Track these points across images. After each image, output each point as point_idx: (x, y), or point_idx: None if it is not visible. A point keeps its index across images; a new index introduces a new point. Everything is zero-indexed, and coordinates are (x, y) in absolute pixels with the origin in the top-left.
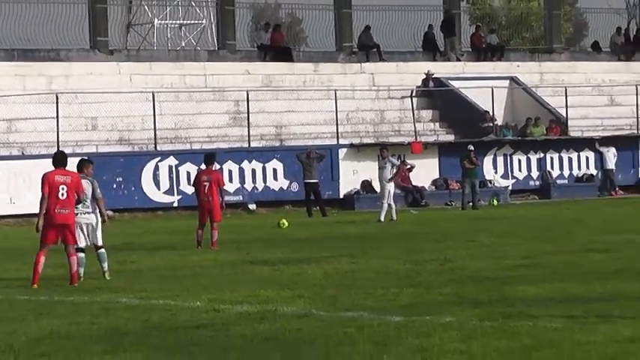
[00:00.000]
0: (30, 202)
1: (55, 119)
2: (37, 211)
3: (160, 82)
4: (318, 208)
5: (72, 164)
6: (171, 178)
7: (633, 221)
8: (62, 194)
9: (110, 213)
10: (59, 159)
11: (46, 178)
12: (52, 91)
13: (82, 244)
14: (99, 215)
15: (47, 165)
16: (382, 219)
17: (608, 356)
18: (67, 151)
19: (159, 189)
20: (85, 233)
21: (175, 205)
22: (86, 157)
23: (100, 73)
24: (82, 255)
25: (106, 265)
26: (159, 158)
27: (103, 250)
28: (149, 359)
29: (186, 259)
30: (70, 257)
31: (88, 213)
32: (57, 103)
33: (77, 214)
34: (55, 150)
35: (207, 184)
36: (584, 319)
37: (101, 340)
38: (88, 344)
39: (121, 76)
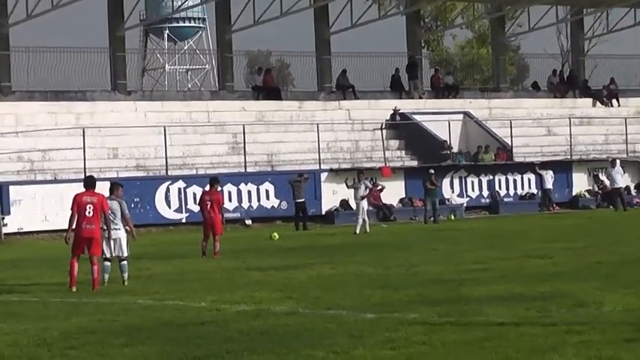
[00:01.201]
0: (61, 220)
1: (82, 150)
2: (65, 226)
3: (170, 117)
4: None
5: (104, 187)
6: (180, 199)
7: (568, 232)
8: (89, 212)
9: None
10: (88, 182)
11: (75, 199)
12: (79, 126)
13: (108, 254)
14: (125, 232)
15: (76, 188)
16: (357, 232)
17: (548, 345)
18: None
19: (170, 207)
20: (112, 246)
21: (184, 221)
22: (117, 182)
23: (119, 110)
24: (108, 264)
25: (126, 275)
26: (169, 182)
27: (125, 262)
28: (162, 351)
29: (193, 266)
30: (93, 266)
31: (117, 229)
32: (84, 136)
33: (106, 229)
34: (82, 175)
35: (209, 203)
36: (527, 314)
37: (121, 335)
38: (110, 338)
39: (137, 113)
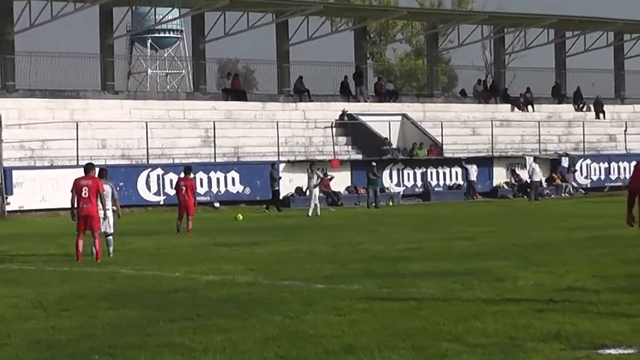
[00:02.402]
0: (56, 200)
1: (75, 140)
2: (61, 206)
3: (151, 114)
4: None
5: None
6: (158, 184)
7: (488, 218)
8: (85, 193)
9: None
10: (86, 168)
11: (74, 182)
12: (73, 120)
13: (103, 229)
14: (112, 211)
15: (69, 173)
16: (310, 214)
17: (470, 314)
18: (83, 163)
19: (150, 191)
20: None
21: (161, 203)
22: (103, 168)
23: (108, 107)
24: (109, 238)
25: (111, 249)
26: (150, 169)
27: (111, 237)
28: (142, 314)
29: (169, 241)
30: (95, 239)
31: (107, 209)
32: (77, 129)
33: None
34: (74, 162)
35: (184, 187)
36: (453, 287)
37: (107, 300)
38: (97, 302)
39: (123, 110)
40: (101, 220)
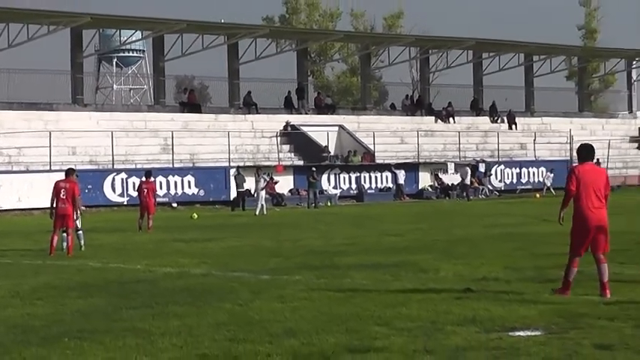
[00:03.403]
0: (31, 201)
1: (49, 148)
2: (35, 206)
3: (116, 124)
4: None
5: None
6: (122, 186)
7: (415, 217)
8: (63, 195)
9: (83, 208)
10: (66, 172)
11: (54, 184)
12: (47, 130)
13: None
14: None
15: (44, 177)
16: (257, 214)
17: (398, 301)
18: (55, 168)
19: (114, 193)
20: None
21: (125, 203)
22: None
23: (78, 118)
24: (80, 232)
25: (82, 242)
26: (115, 173)
27: (81, 232)
28: (107, 302)
29: (131, 238)
30: (68, 236)
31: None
32: (50, 137)
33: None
34: (48, 167)
35: (145, 190)
36: (383, 277)
37: (76, 290)
38: (68, 292)
39: (91, 121)
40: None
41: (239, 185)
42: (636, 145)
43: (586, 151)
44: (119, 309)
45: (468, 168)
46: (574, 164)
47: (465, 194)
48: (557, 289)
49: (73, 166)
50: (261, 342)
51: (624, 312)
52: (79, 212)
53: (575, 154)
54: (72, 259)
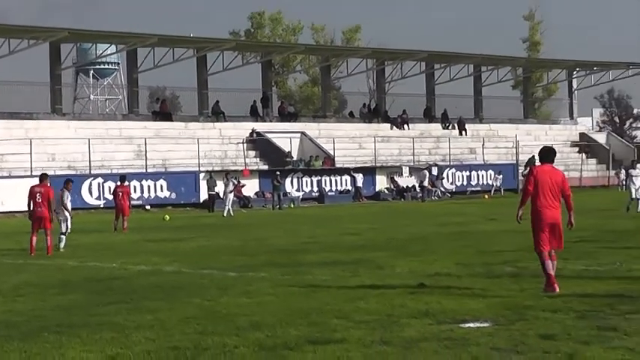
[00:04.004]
0: (13, 204)
1: (30, 154)
2: (17, 209)
3: (93, 132)
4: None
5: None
6: (99, 190)
7: (372, 217)
8: (38, 198)
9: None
10: (40, 177)
11: (30, 189)
12: (27, 137)
13: (62, 229)
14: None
15: (25, 182)
16: (225, 215)
17: (357, 296)
18: (35, 173)
19: (92, 196)
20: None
21: (101, 206)
22: (69, 179)
23: (57, 127)
24: (62, 236)
25: (62, 244)
26: (92, 178)
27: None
28: (85, 298)
29: (108, 238)
30: (47, 237)
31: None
32: (31, 145)
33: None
34: (29, 173)
35: (120, 193)
36: (343, 274)
37: (56, 287)
38: (48, 289)
39: (69, 129)
40: (61, 220)
41: (210, 189)
42: (577, 149)
43: (546, 154)
44: (96, 305)
45: (426, 171)
46: (533, 166)
47: (421, 196)
48: (544, 287)
49: (51, 172)
50: (228, 334)
51: (566, 304)
52: (53, 215)
53: (521, 158)
54: (51, 259)
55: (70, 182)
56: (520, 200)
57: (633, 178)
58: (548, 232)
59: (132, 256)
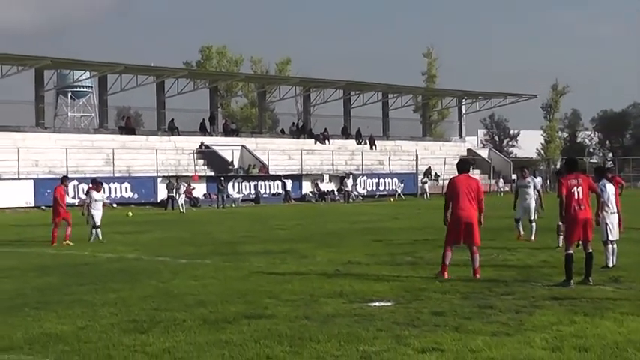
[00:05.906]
0: (1, 203)
1: (17, 161)
2: (6, 206)
3: (70, 143)
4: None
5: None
6: (74, 191)
7: (298, 215)
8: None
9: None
10: (62, 179)
11: (57, 190)
12: (16, 147)
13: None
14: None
15: (13, 184)
16: (182, 212)
17: (284, 280)
18: (22, 177)
19: (68, 196)
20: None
21: (76, 204)
22: (99, 181)
23: (40, 138)
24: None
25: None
26: (69, 181)
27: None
28: (60, 279)
29: (80, 230)
30: (69, 227)
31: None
32: (18, 153)
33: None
34: (16, 177)
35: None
36: (274, 262)
37: (35, 270)
38: (28, 272)
39: (51, 140)
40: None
41: (169, 191)
42: None
43: (462, 165)
44: (69, 285)
45: (351, 179)
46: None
47: (345, 198)
48: (438, 272)
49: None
50: (178, 310)
51: (454, 287)
52: (85, 211)
53: (420, 168)
54: (31, 246)
55: (100, 184)
56: (444, 206)
57: (525, 189)
58: (465, 229)
59: (101, 246)
